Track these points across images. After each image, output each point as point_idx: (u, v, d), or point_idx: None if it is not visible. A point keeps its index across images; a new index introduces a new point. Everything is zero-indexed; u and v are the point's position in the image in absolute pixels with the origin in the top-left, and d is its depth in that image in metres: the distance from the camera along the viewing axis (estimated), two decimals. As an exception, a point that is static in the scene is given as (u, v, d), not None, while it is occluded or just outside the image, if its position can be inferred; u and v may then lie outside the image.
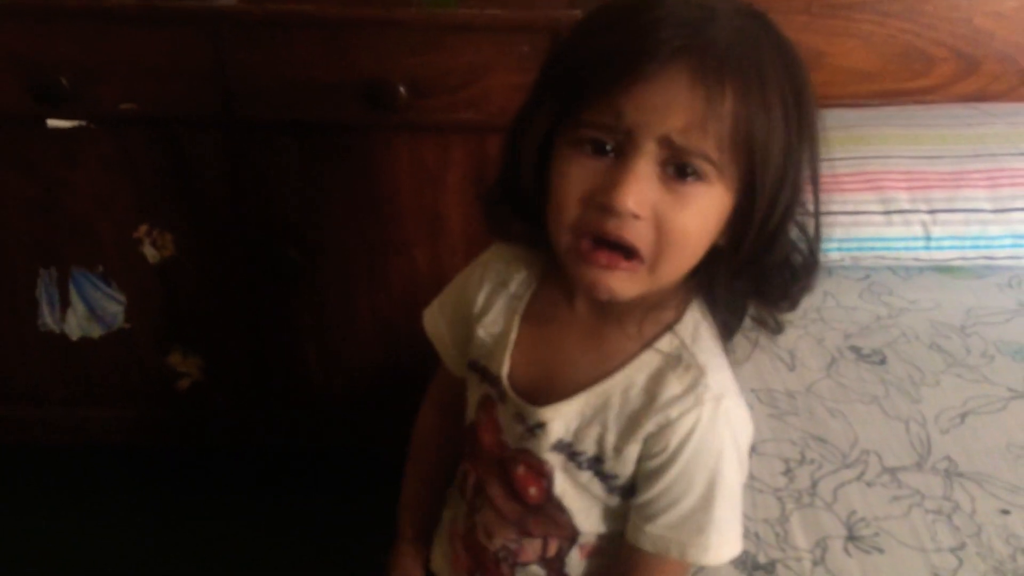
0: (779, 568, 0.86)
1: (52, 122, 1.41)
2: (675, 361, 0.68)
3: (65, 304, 1.56)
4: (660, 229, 0.61)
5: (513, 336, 0.74)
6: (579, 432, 0.71)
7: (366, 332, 1.59)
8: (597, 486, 0.72)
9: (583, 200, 0.62)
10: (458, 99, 1.38)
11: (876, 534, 0.90)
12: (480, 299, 0.77)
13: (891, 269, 1.38)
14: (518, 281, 0.76)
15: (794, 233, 0.66)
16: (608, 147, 0.61)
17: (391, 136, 1.43)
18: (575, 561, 0.77)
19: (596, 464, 0.71)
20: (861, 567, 0.86)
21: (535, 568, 0.78)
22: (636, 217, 0.60)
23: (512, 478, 0.75)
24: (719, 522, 0.68)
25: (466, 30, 1.34)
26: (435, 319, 0.84)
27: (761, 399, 1.10)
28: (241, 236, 1.52)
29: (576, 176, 0.62)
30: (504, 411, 0.74)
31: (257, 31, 1.37)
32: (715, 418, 0.67)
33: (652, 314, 0.68)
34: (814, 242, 0.67)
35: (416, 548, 0.92)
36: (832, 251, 1.34)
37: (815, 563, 0.87)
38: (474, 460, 0.80)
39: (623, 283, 0.64)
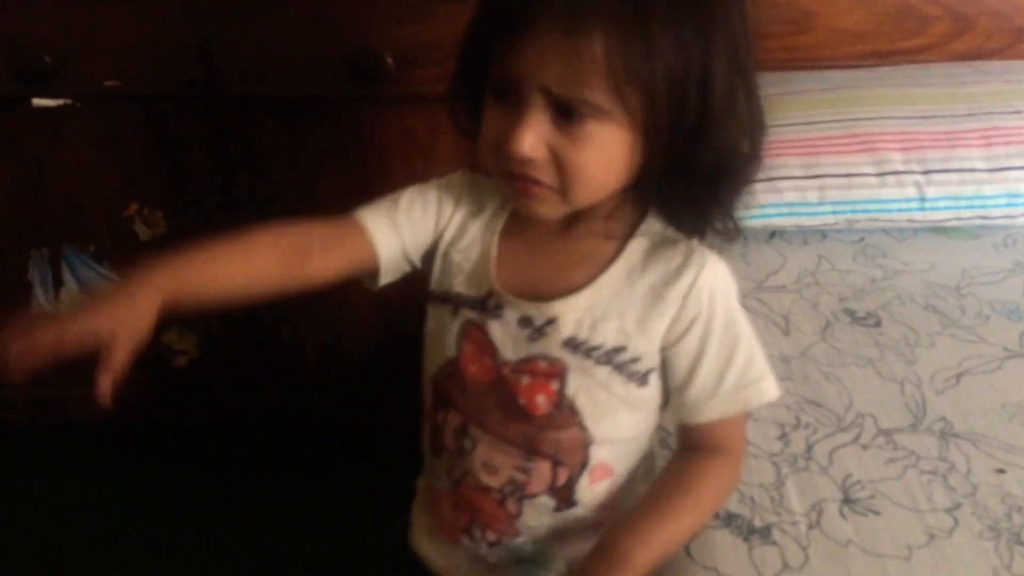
0: (775, 532, 0.86)
1: (37, 101, 1.40)
2: (662, 240, 0.75)
3: (58, 285, 1.56)
4: (560, 167, 0.68)
5: (494, 252, 0.78)
6: (595, 326, 0.74)
7: (359, 306, 1.59)
8: (616, 380, 0.75)
9: (495, 143, 0.69)
10: (446, 70, 1.34)
11: (872, 496, 0.90)
12: (453, 225, 0.80)
13: (885, 231, 1.38)
14: (492, 206, 0.80)
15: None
16: (506, 94, 0.67)
17: (380, 108, 1.42)
18: (584, 488, 0.78)
19: (615, 354, 0.74)
20: (857, 529, 0.86)
21: (544, 499, 0.78)
22: (534, 159, 0.67)
23: (515, 394, 0.76)
24: (758, 358, 0.75)
25: (452, 0, 1.33)
26: (376, 215, 0.82)
27: (756, 364, 1.10)
28: (232, 212, 1.51)
29: (489, 122, 0.70)
30: (500, 326, 0.76)
31: (240, 4, 1.36)
32: (721, 267, 0.74)
33: (614, 217, 0.74)
34: (751, 143, 0.71)
35: (152, 294, 0.70)
36: (826, 214, 1.33)
37: (811, 526, 0.87)
38: (457, 400, 0.79)
39: (543, 206, 0.71)
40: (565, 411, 0.75)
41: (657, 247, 0.74)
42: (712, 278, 0.73)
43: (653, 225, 0.75)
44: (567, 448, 0.77)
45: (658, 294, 0.73)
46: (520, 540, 0.81)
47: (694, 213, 0.73)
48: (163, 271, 0.72)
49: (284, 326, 1.62)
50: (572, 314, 0.74)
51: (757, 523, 0.87)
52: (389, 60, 1.36)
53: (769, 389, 0.76)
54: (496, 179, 0.74)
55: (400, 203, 0.82)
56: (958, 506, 0.90)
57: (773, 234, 1.38)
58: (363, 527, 1.52)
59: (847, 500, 0.90)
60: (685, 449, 0.80)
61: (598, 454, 0.77)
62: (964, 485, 0.92)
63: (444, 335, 0.79)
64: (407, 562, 0.94)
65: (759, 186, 1.30)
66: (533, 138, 0.66)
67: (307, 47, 1.37)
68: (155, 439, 1.73)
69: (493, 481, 0.79)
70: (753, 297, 1.23)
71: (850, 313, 1.20)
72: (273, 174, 1.48)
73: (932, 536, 0.86)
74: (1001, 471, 0.94)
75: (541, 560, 0.83)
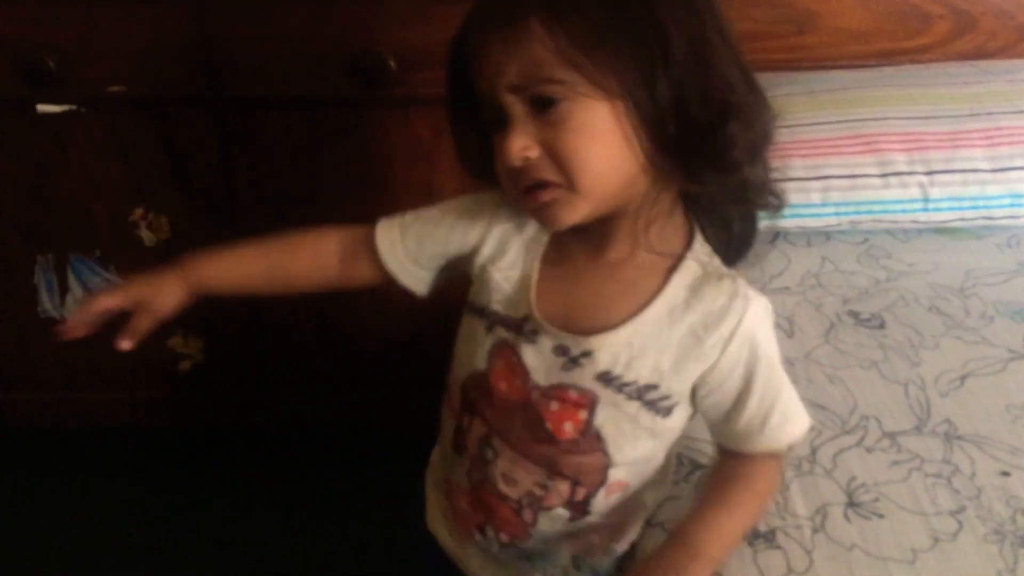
0: (779, 536, 0.86)
1: (42, 107, 1.41)
2: (705, 276, 0.74)
3: (64, 289, 1.57)
4: (555, 156, 0.69)
5: (535, 277, 0.78)
6: (630, 363, 0.74)
7: (363, 307, 1.59)
8: (644, 414, 0.76)
9: (502, 167, 0.71)
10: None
11: (876, 499, 0.90)
12: (491, 241, 0.80)
13: (889, 232, 1.37)
14: (535, 227, 0.79)
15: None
16: (501, 121, 0.70)
17: (382, 111, 1.43)
18: (599, 501, 0.80)
19: (647, 391, 0.75)
20: (861, 533, 0.86)
21: (560, 511, 0.80)
22: (529, 159, 0.69)
23: (543, 417, 0.76)
24: (794, 396, 0.78)
25: (455, 1, 1.33)
26: (391, 234, 0.86)
27: (760, 367, 1.10)
28: (236, 215, 1.51)
29: (496, 155, 0.72)
30: (534, 351, 0.76)
31: (242, 6, 1.36)
32: (764, 310, 0.74)
33: (651, 225, 0.73)
34: (738, 78, 0.70)
35: (180, 280, 0.86)
36: (830, 215, 1.33)
37: (815, 530, 0.87)
38: (484, 411, 0.80)
39: (559, 210, 0.71)
40: (590, 438, 0.76)
41: (701, 284, 0.74)
42: (754, 323, 0.73)
43: (699, 255, 0.75)
44: (587, 471, 0.78)
45: (698, 338, 0.73)
46: (531, 543, 0.83)
47: (718, 176, 0.71)
48: (195, 264, 0.86)
49: (289, 330, 1.62)
50: (609, 349, 0.74)
51: (762, 527, 0.87)
52: (391, 62, 1.36)
53: (803, 423, 0.79)
54: (518, 206, 0.75)
55: (422, 217, 0.85)
56: (963, 509, 0.89)
57: (777, 235, 1.37)
58: (370, 529, 1.52)
59: (851, 503, 0.90)
60: (729, 456, 0.81)
61: (616, 475, 0.79)
62: (969, 488, 0.92)
63: (476, 347, 0.80)
64: (414, 563, 0.96)
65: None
66: (521, 140, 0.69)
67: (310, 49, 1.38)
68: (161, 442, 1.74)
69: (512, 492, 0.80)
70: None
71: (854, 315, 1.20)
72: (277, 176, 1.49)
73: (937, 539, 0.86)
74: (1006, 474, 0.94)
75: (547, 556, 0.85)
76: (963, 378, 1.08)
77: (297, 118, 1.44)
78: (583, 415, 0.75)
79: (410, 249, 0.84)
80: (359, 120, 1.44)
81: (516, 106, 0.68)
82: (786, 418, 0.77)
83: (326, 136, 1.45)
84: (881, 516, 0.89)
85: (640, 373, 0.74)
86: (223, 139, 1.46)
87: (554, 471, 0.78)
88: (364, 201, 1.50)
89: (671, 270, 0.74)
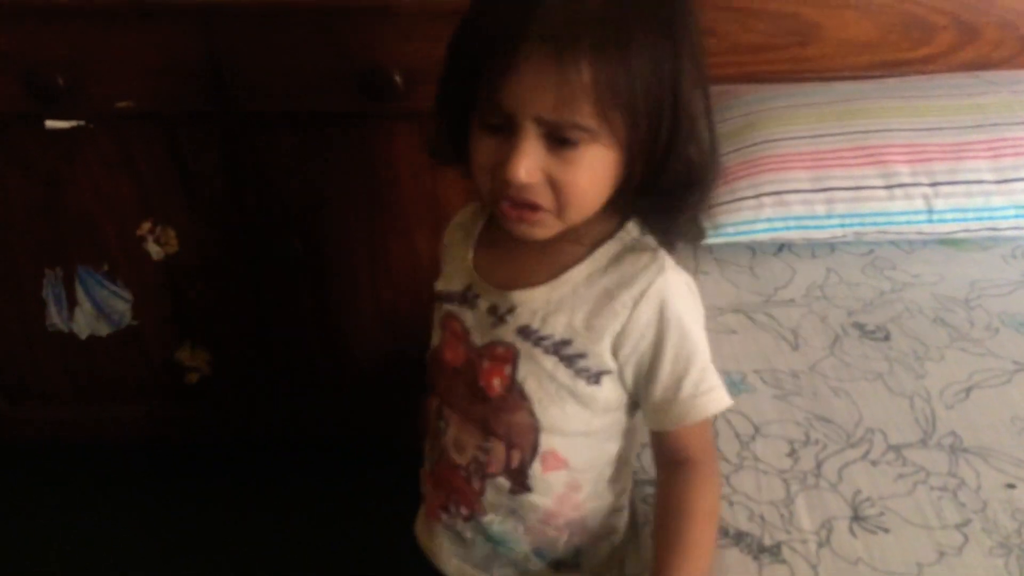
0: (784, 550, 0.86)
1: (50, 123, 1.42)
2: (630, 247, 0.79)
3: (72, 303, 1.58)
4: (555, 188, 0.72)
5: (470, 255, 0.85)
6: (546, 318, 0.79)
7: (370, 319, 1.60)
8: (562, 371, 0.79)
9: (491, 171, 0.73)
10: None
11: (881, 513, 0.91)
12: (448, 251, 0.90)
13: (894, 243, 1.38)
14: (474, 221, 0.88)
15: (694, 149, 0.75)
16: (499, 126, 0.71)
17: (388, 124, 1.43)
18: (537, 475, 0.82)
19: (561, 347, 0.79)
20: (867, 547, 0.87)
21: (502, 480, 0.83)
22: (531, 184, 0.71)
23: (477, 376, 0.82)
24: (711, 370, 0.79)
25: (461, 16, 1.34)
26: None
27: (765, 380, 1.10)
28: (243, 229, 1.53)
29: (482, 152, 0.74)
30: (472, 315, 0.83)
31: (250, 23, 1.37)
32: (680, 282, 0.78)
33: (589, 227, 0.78)
34: (709, 154, 0.76)
35: None
36: (834, 227, 1.34)
37: (820, 544, 0.87)
38: (437, 384, 0.88)
39: (539, 228, 0.75)
40: (515, 395, 0.80)
41: (624, 253, 0.79)
42: (665, 289, 0.76)
43: (630, 232, 0.80)
44: (518, 431, 0.81)
45: (610, 295, 0.77)
46: (487, 518, 0.86)
47: (665, 220, 0.79)
48: None
49: (295, 342, 1.63)
50: (529, 304, 0.80)
51: (767, 541, 0.87)
52: (397, 77, 1.37)
53: (722, 398, 0.79)
54: (489, 205, 0.78)
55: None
56: (968, 522, 0.90)
57: (781, 247, 1.38)
58: (377, 541, 1.53)
59: (857, 517, 0.90)
60: (661, 468, 0.83)
61: (548, 441, 0.81)
62: (974, 501, 0.92)
63: (434, 329, 0.89)
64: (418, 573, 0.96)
65: (766, 199, 1.32)
66: (530, 164, 0.70)
67: (317, 65, 1.38)
68: (168, 455, 1.74)
69: (460, 459, 0.85)
70: (762, 311, 1.23)
71: (859, 327, 1.20)
72: (283, 190, 1.50)
73: (942, 553, 0.86)
74: (1011, 486, 0.94)
75: (506, 540, 0.87)
76: (968, 390, 1.08)
77: (304, 133, 1.45)
78: (507, 370, 0.80)
79: None
80: (365, 134, 1.45)
81: (531, 130, 0.70)
82: (699, 390, 0.77)
83: (332, 150, 1.46)
84: (887, 530, 0.89)
85: (555, 328, 0.79)
86: (230, 154, 1.47)
87: (488, 430, 0.82)
88: (370, 214, 1.51)
89: (597, 246, 0.79)
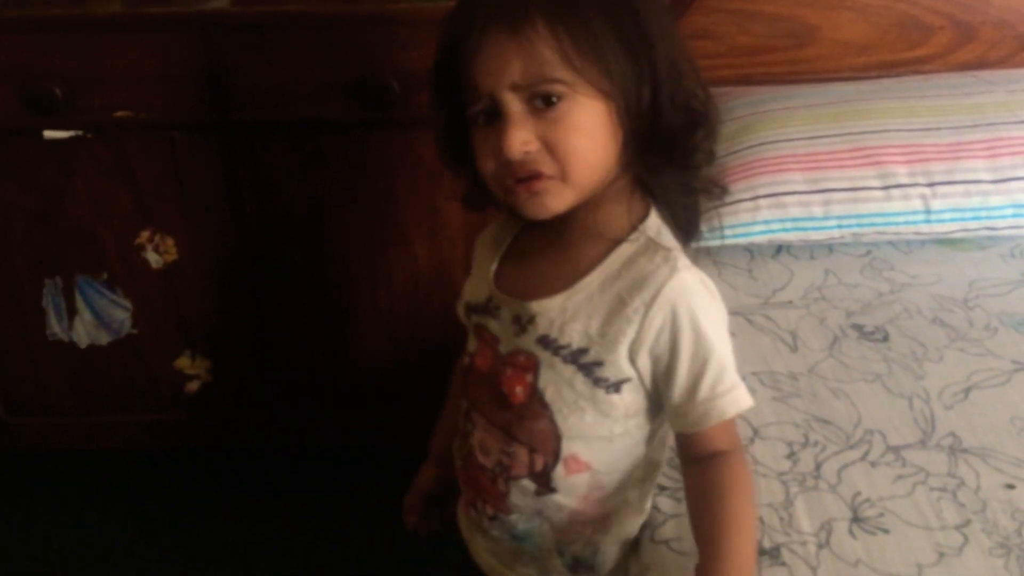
0: (784, 552, 0.86)
1: (48, 133, 1.42)
2: (644, 248, 0.79)
3: (72, 313, 1.58)
4: (553, 151, 0.74)
5: (494, 266, 0.88)
6: (563, 327, 0.79)
7: (369, 327, 1.60)
8: (580, 380, 0.79)
9: (494, 158, 0.76)
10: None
11: (881, 515, 0.90)
12: (477, 259, 0.92)
13: (892, 244, 1.38)
14: (505, 236, 0.90)
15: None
16: (491, 116, 0.75)
17: (386, 132, 1.44)
18: (560, 477, 0.83)
19: (579, 355, 0.79)
20: (866, 548, 0.86)
21: (526, 482, 0.84)
22: (528, 152, 0.74)
23: (501, 383, 0.84)
24: (730, 370, 0.78)
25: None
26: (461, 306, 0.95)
27: (764, 382, 1.10)
28: (242, 237, 1.53)
29: (483, 144, 0.77)
30: (497, 324, 0.85)
31: (247, 33, 1.38)
32: (694, 281, 0.77)
33: (605, 210, 0.80)
34: (700, 93, 0.79)
35: (433, 468, 1.05)
36: (832, 228, 1.34)
37: (820, 546, 0.87)
38: (469, 389, 0.90)
39: (550, 198, 0.77)
40: (536, 403, 0.81)
41: (638, 255, 0.79)
42: (678, 289, 0.76)
43: (646, 231, 0.80)
44: (539, 437, 0.82)
45: (622, 301, 0.77)
46: (513, 517, 0.87)
47: (678, 173, 0.80)
48: (436, 454, 1.05)
49: (296, 350, 1.63)
50: (546, 314, 0.81)
51: (766, 543, 0.87)
52: (395, 85, 1.37)
53: (743, 398, 0.79)
54: (502, 196, 0.80)
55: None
56: (968, 523, 0.89)
57: (779, 249, 1.38)
58: (377, 548, 1.53)
59: (856, 519, 0.90)
60: (689, 463, 0.82)
61: (570, 447, 0.82)
62: (974, 501, 0.92)
63: (469, 336, 0.91)
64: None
65: (763, 201, 1.33)
66: (522, 134, 0.73)
67: (314, 74, 1.39)
68: (170, 463, 1.74)
69: (486, 461, 0.87)
70: (760, 313, 1.23)
71: (858, 328, 1.20)
72: (282, 199, 1.50)
73: (942, 554, 0.86)
74: (1011, 486, 0.94)
75: (532, 538, 0.88)
76: (967, 390, 1.08)
77: (301, 141, 1.45)
78: (529, 378, 0.82)
79: None
80: (363, 142, 1.45)
81: (515, 103, 0.73)
82: (716, 392, 0.77)
83: (330, 158, 1.46)
84: (886, 531, 0.89)
85: (572, 337, 0.79)
86: (229, 162, 1.47)
87: (512, 436, 0.84)
88: (368, 222, 1.51)
89: (613, 247, 0.80)
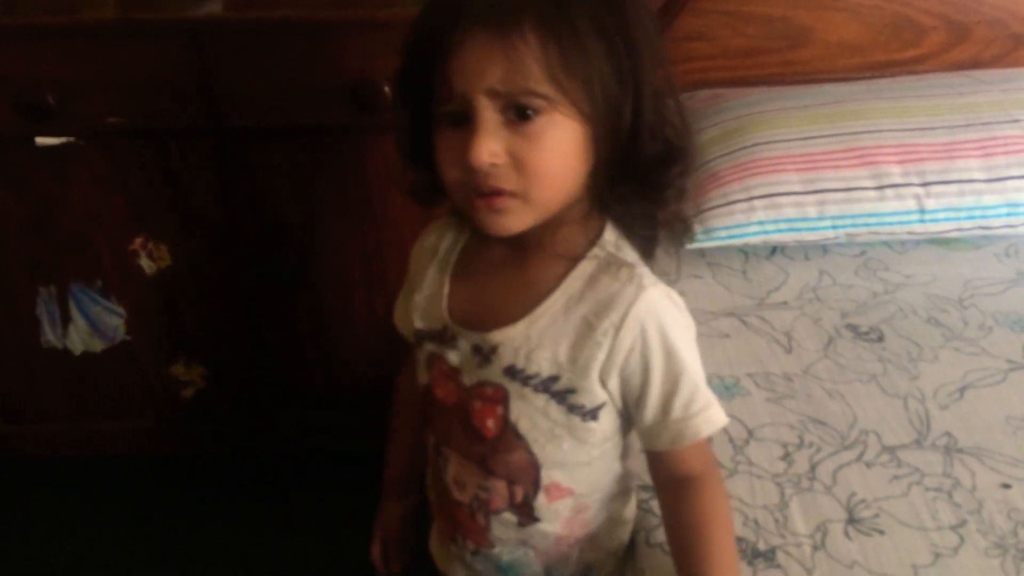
0: (779, 555, 0.86)
1: (41, 140, 1.42)
2: (605, 265, 0.75)
3: (66, 320, 1.58)
4: (520, 168, 0.69)
5: (445, 289, 0.81)
6: (529, 355, 0.76)
7: (365, 332, 1.59)
8: (554, 408, 0.76)
9: (456, 165, 0.70)
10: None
11: (876, 515, 0.90)
12: (418, 277, 0.85)
13: (887, 244, 1.37)
14: (444, 248, 0.84)
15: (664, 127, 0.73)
16: (460, 118, 0.69)
17: (379, 137, 1.43)
18: (543, 506, 0.81)
19: (551, 383, 0.76)
20: (862, 550, 0.86)
21: (507, 515, 0.82)
22: (495, 165, 0.68)
23: (470, 416, 0.80)
24: (703, 389, 0.76)
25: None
26: (400, 314, 0.91)
27: (758, 383, 1.10)
28: (236, 243, 1.52)
29: (447, 148, 0.71)
30: (456, 354, 0.80)
31: (240, 39, 1.37)
32: (661, 297, 0.74)
33: (564, 231, 0.75)
34: (680, 125, 0.74)
35: (394, 505, 1.02)
36: (826, 229, 1.33)
37: (815, 548, 0.86)
38: (433, 421, 0.85)
39: (510, 218, 0.72)
40: (510, 435, 0.78)
41: (599, 273, 0.75)
42: (646, 308, 0.73)
43: (605, 247, 0.76)
44: (517, 469, 0.80)
45: (589, 325, 0.74)
46: (496, 550, 0.85)
47: (647, 206, 0.76)
48: (391, 485, 1.04)
49: (291, 356, 1.63)
50: (510, 343, 0.76)
51: (761, 546, 0.87)
52: (387, 89, 1.37)
53: (717, 417, 0.76)
54: (461, 205, 0.74)
55: (405, 290, 0.90)
56: (963, 523, 0.89)
57: (774, 250, 1.38)
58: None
59: (852, 520, 0.90)
60: (663, 487, 0.81)
61: (551, 475, 0.80)
62: (969, 501, 0.92)
63: (418, 366, 0.86)
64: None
65: (758, 202, 1.32)
66: (491, 144, 0.68)
67: (306, 79, 1.38)
68: (165, 470, 1.74)
69: (463, 496, 0.84)
70: (755, 314, 1.23)
71: (852, 328, 1.20)
72: (276, 204, 1.49)
73: (938, 555, 0.86)
74: (1007, 486, 0.94)
75: (518, 568, 0.86)
76: (962, 390, 1.08)
77: (294, 146, 1.45)
78: (500, 410, 0.78)
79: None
80: (356, 146, 1.45)
81: (488, 110, 0.68)
82: (689, 412, 0.75)
83: (323, 163, 1.46)
84: (882, 532, 0.88)
85: (541, 365, 0.76)
86: (222, 168, 1.46)
87: (488, 470, 0.80)
88: (364, 227, 1.50)
89: (572, 265, 0.76)
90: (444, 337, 0.80)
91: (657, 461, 0.80)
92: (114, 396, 1.65)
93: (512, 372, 0.76)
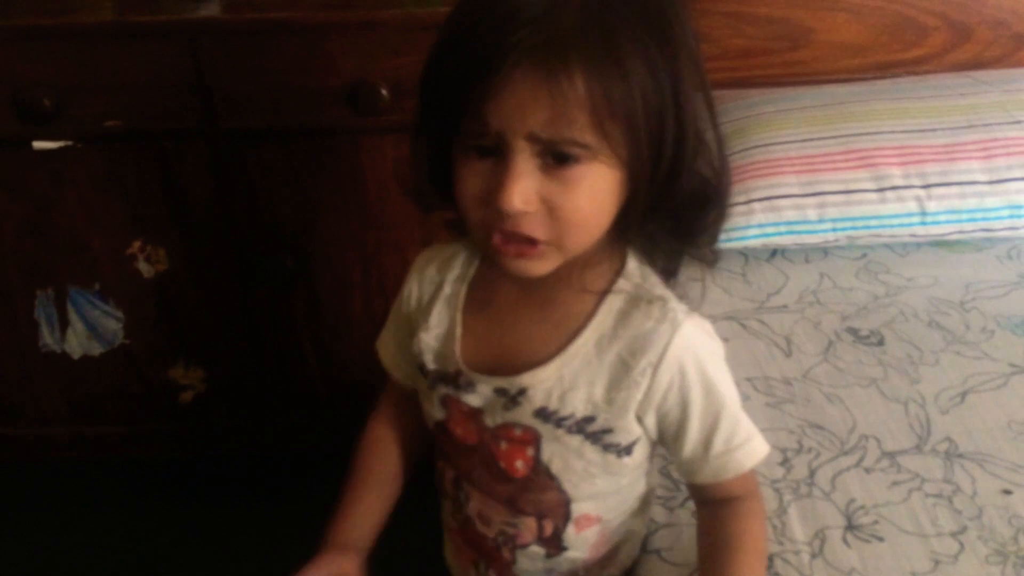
0: (777, 562, 0.85)
1: (38, 144, 1.42)
2: (635, 300, 0.72)
3: (64, 324, 1.57)
4: (554, 215, 0.65)
5: (459, 331, 0.77)
6: (563, 397, 0.73)
7: (363, 334, 1.59)
8: (589, 448, 0.74)
9: (481, 200, 0.66)
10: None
11: (875, 522, 0.89)
12: (420, 309, 0.80)
13: (888, 247, 1.36)
14: (451, 280, 0.79)
15: (701, 164, 0.69)
16: (489, 149, 0.64)
17: (376, 138, 1.43)
18: (571, 536, 0.79)
19: (585, 424, 0.73)
20: (861, 557, 0.85)
21: (535, 548, 0.80)
22: (527, 212, 0.64)
23: (495, 458, 0.76)
24: (744, 421, 0.74)
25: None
26: (387, 346, 0.88)
27: (758, 388, 1.09)
28: (234, 245, 1.52)
29: (469, 180, 0.66)
30: (476, 397, 0.76)
31: (236, 40, 1.37)
32: (696, 331, 0.72)
33: (591, 266, 0.72)
34: (719, 167, 0.70)
35: (332, 556, 0.89)
36: (827, 231, 1.33)
37: (813, 555, 0.86)
38: (450, 456, 0.82)
39: (537, 264, 0.68)
40: (542, 476, 0.76)
41: (630, 308, 0.72)
42: (683, 347, 0.71)
43: (631, 279, 0.73)
44: (548, 506, 0.78)
45: (626, 365, 0.71)
46: None
47: (679, 244, 0.73)
48: (343, 540, 0.90)
49: (290, 358, 1.62)
50: (542, 385, 0.73)
51: (759, 553, 0.86)
52: (384, 91, 1.36)
53: (759, 448, 0.75)
54: (480, 242, 0.70)
55: (393, 320, 0.86)
56: (964, 529, 0.88)
57: (774, 252, 1.37)
58: (377, 551, 1.51)
59: (850, 527, 0.89)
60: (703, 505, 0.80)
61: (581, 508, 0.78)
62: (970, 508, 0.91)
63: (428, 402, 0.81)
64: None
65: (757, 205, 1.31)
66: (525, 189, 0.63)
67: (304, 81, 1.38)
68: (164, 473, 1.74)
69: (487, 531, 0.81)
70: (754, 318, 1.22)
71: (853, 332, 1.19)
72: (274, 206, 1.49)
73: (938, 562, 0.85)
74: (1008, 492, 0.93)
75: None
76: (963, 394, 1.07)
77: (292, 148, 1.44)
78: (530, 451, 0.75)
79: (408, 358, 0.83)
80: (354, 149, 1.44)
81: (525, 154, 0.63)
82: (730, 445, 0.73)
83: (322, 165, 1.45)
84: (881, 539, 0.88)
85: (575, 406, 0.73)
86: (219, 171, 1.46)
87: (516, 509, 0.78)
88: (362, 229, 1.50)
89: (600, 300, 0.73)
90: (458, 382, 0.76)
91: (700, 491, 0.78)
92: (113, 399, 1.64)
93: (544, 414, 0.73)
